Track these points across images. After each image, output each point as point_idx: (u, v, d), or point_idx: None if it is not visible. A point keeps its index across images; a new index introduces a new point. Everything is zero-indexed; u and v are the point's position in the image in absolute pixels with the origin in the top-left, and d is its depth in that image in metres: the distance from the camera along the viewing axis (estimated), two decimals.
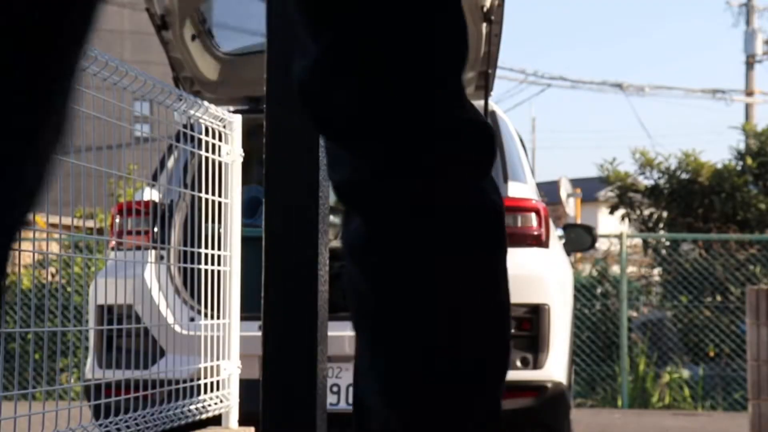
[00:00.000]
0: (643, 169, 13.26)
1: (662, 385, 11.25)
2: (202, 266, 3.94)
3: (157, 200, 5.01)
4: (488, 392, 1.53)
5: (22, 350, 11.96)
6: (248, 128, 4.58)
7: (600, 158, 36.36)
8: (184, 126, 3.90)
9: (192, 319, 4.73)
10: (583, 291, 11.68)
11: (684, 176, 12.89)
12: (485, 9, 4.98)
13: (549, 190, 15.57)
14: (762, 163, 12.72)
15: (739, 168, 12.84)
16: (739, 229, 12.38)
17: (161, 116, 3.74)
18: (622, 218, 13.32)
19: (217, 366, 3.93)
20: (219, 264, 3.98)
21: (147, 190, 5.15)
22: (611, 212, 13.64)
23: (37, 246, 3.53)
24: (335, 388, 4.72)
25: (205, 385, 3.85)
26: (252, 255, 4.22)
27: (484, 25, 5.06)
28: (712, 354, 11.60)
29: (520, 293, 4.82)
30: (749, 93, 27.56)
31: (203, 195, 3.95)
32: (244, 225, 4.19)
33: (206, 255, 3.96)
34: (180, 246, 4.77)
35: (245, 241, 4.12)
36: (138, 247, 4.92)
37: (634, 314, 12.14)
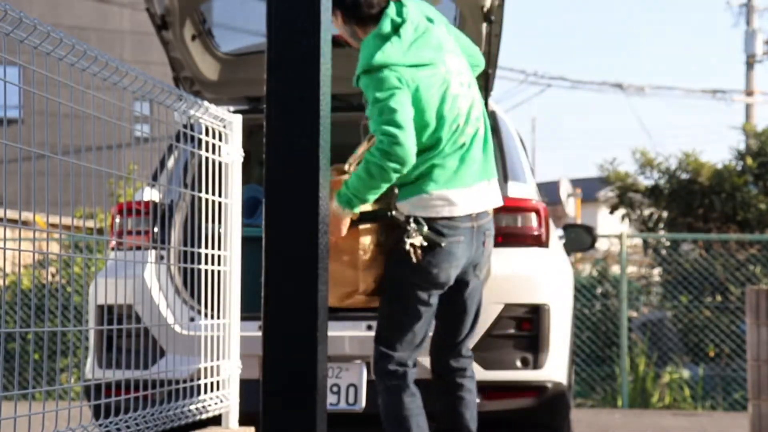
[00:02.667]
0: (643, 169, 13.25)
1: (662, 385, 11.25)
2: (202, 266, 3.94)
3: (157, 200, 5.01)
4: None
5: (22, 350, 11.96)
6: (248, 128, 4.58)
7: (600, 158, 36.36)
8: (184, 126, 3.90)
9: (192, 319, 4.74)
10: (583, 291, 11.68)
11: (684, 176, 12.88)
12: (485, 9, 4.98)
13: (549, 190, 15.57)
14: (762, 163, 12.72)
15: (739, 168, 12.83)
16: (739, 229, 12.37)
17: (161, 116, 3.74)
18: (622, 218, 13.32)
19: (217, 366, 3.93)
20: (219, 264, 3.98)
21: (147, 190, 5.15)
22: (611, 212, 13.64)
23: (37, 246, 3.54)
24: (335, 388, 4.73)
25: (205, 385, 3.85)
26: (252, 255, 4.23)
27: (484, 25, 5.06)
28: (712, 354, 11.60)
29: (520, 293, 4.82)
30: (749, 93, 27.55)
31: (203, 195, 3.95)
32: (243, 225, 4.19)
33: (206, 255, 3.96)
34: (180, 246, 4.77)
35: (245, 241, 4.12)
36: (138, 248, 4.92)
37: (634, 314, 12.14)
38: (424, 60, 3.97)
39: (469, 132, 4.04)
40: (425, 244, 3.96)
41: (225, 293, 3.98)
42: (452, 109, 3.99)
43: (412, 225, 3.96)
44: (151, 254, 4.84)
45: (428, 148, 3.98)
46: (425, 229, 3.95)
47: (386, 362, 4.09)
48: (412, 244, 3.95)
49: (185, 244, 4.22)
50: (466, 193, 4.01)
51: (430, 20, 4.06)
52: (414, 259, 3.95)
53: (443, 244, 3.97)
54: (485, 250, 4.16)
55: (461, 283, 4.14)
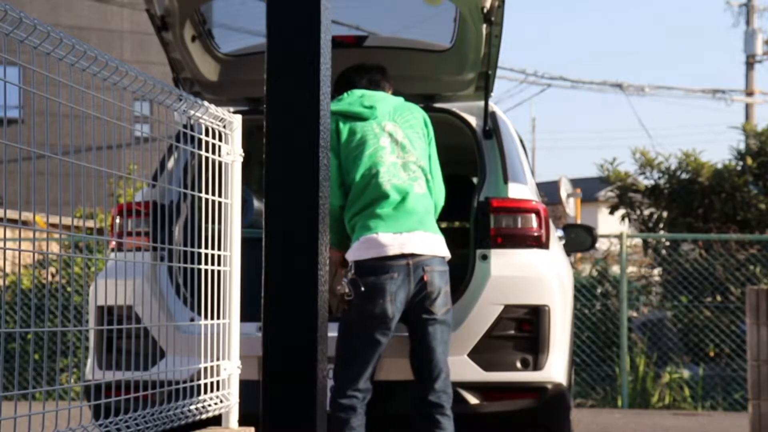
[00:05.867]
0: (643, 169, 13.25)
1: (662, 385, 11.25)
2: (202, 266, 3.94)
3: (157, 201, 5.00)
4: None
5: (22, 350, 11.96)
6: (248, 129, 4.57)
7: (600, 158, 36.36)
8: (184, 126, 3.89)
9: (192, 320, 4.73)
10: (583, 291, 11.68)
11: (684, 176, 12.88)
12: (485, 10, 4.97)
13: (549, 190, 15.56)
14: (762, 163, 12.72)
15: (739, 168, 12.83)
16: (739, 229, 12.37)
17: (161, 116, 3.74)
18: (622, 218, 13.32)
19: (217, 366, 3.93)
20: (219, 264, 3.98)
21: (147, 190, 5.15)
22: (611, 212, 13.64)
23: (37, 246, 3.54)
24: None
25: (205, 385, 3.85)
26: (252, 255, 4.23)
27: (484, 26, 5.06)
28: (712, 354, 11.60)
29: (520, 294, 4.81)
30: (749, 93, 27.57)
31: (203, 195, 3.95)
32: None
33: (206, 255, 3.95)
34: (180, 246, 4.77)
35: (245, 241, 4.12)
36: (138, 248, 4.92)
37: (634, 314, 12.13)
38: (354, 112, 4.62)
39: (397, 183, 4.53)
40: (353, 289, 4.41)
41: (225, 293, 3.98)
42: (372, 156, 4.55)
43: (345, 270, 4.48)
44: (151, 255, 4.84)
45: (352, 200, 4.52)
46: (351, 272, 4.44)
47: (335, 395, 4.46)
48: (345, 286, 4.44)
49: (185, 245, 4.22)
50: (397, 237, 4.45)
51: (371, 107, 4.64)
52: (350, 297, 4.43)
53: (363, 288, 4.38)
54: (429, 285, 4.44)
55: (418, 322, 4.48)
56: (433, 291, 4.45)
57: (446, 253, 4.55)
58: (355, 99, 4.68)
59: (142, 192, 5.20)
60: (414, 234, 4.47)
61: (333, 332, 4.17)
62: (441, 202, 4.76)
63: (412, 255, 4.42)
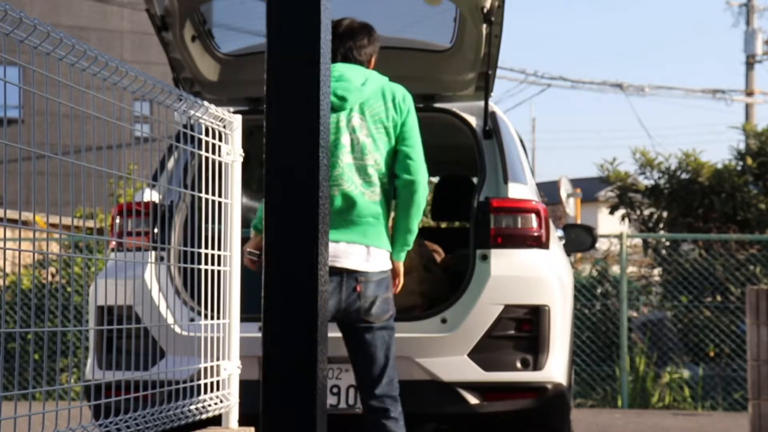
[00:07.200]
0: (643, 169, 13.25)
1: (662, 385, 11.25)
2: (202, 266, 3.94)
3: (157, 201, 5.01)
4: None
5: (22, 350, 11.96)
6: (248, 128, 4.57)
7: (600, 158, 36.37)
8: (184, 126, 3.89)
9: (192, 320, 4.73)
10: (583, 291, 11.68)
11: (684, 176, 12.88)
12: (485, 10, 4.98)
13: (549, 190, 15.57)
14: (762, 163, 12.72)
15: (739, 168, 12.83)
16: (739, 229, 12.37)
17: (161, 116, 3.74)
18: (622, 218, 13.32)
19: (217, 366, 3.93)
20: (219, 264, 3.98)
21: (147, 190, 5.15)
22: (611, 212, 13.64)
23: (37, 246, 3.53)
24: (335, 389, 4.73)
25: (205, 385, 3.85)
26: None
27: (484, 26, 5.06)
28: (712, 354, 11.60)
29: (520, 294, 4.82)
30: (749, 93, 27.57)
31: (203, 195, 3.95)
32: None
33: (206, 255, 3.95)
34: (180, 246, 4.77)
35: (245, 241, 4.12)
36: (138, 248, 4.92)
37: (634, 314, 12.14)
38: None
39: (347, 189, 4.28)
40: None
41: (225, 293, 3.98)
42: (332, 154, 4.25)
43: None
44: (151, 255, 4.84)
45: None
46: None
47: None
48: None
49: (185, 245, 4.22)
50: (333, 247, 4.19)
51: (343, 98, 4.29)
52: None
53: None
54: (362, 295, 4.28)
55: (353, 330, 4.34)
56: (367, 300, 4.29)
57: (385, 267, 4.37)
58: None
59: (141, 192, 5.20)
60: (352, 247, 4.29)
61: (333, 333, 4.16)
62: (424, 178, 4.44)
63: (345, 269, 4.27)
